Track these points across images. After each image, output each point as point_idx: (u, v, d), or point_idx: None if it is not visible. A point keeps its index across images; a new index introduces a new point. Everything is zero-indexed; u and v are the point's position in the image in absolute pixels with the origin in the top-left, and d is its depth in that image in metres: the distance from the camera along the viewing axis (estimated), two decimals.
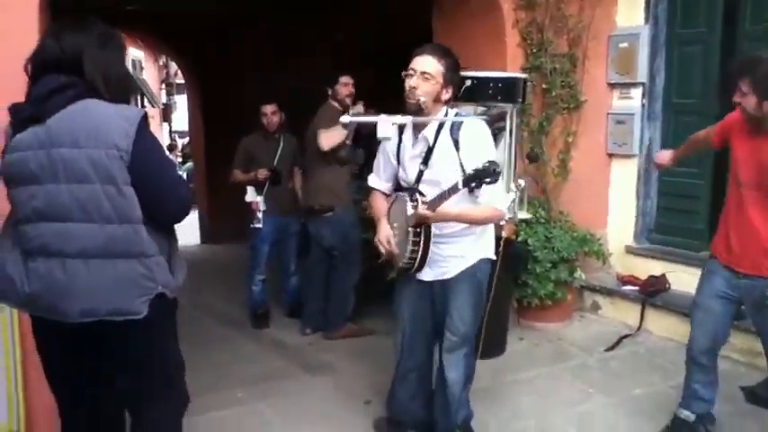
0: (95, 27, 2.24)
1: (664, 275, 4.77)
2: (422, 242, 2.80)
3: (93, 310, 2.19)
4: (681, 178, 4.95)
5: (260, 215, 4.91)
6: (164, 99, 18.86)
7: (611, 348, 4.46)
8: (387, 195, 3.11)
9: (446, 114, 2.85)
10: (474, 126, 2.84)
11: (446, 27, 5.10)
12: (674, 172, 4.97)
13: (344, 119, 2.78)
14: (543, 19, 4.78)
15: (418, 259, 2.83)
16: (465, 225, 2.87)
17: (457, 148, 2.78)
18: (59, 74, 2.17)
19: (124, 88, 2.31)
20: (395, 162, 2.99)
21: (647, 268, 4.93)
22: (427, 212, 2.62)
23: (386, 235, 2.94)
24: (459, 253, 2.91)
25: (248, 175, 4.98)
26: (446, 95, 2.83)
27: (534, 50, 4.81)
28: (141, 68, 10.19)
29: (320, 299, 4.88)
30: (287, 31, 7.55)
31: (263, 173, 4.91)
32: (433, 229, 2.81)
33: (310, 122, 4.70)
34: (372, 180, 3.12)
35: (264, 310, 5.15)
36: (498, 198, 2.80)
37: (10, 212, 2.29)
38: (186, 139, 14.34)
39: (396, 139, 2.92)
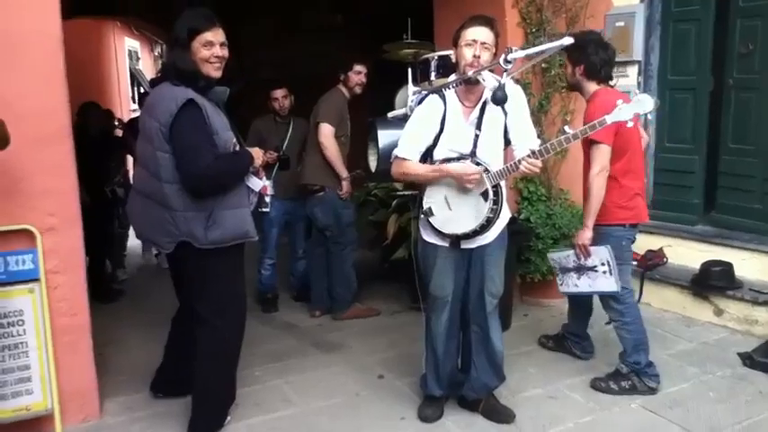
0: (173, 31, 2.93)
1: (661, 249, 4.90)
2: (500, 200, 2.93)
3: (140, 234, 3.15)
4: (676, 154, 5.06)
5: (268, 199, 4.96)
6: None
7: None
8: None
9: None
10: (511, 85, 2.99)
11: (446, 7, 5.17)
12: (670, 148, 5.12)
13: None
14: None
15: (495, 219, 2.95)
16: (505, 186, 3.04)
17: (503, 108, 2.93)
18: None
19: (185, 76, 2.86)
20: (434, 134, 3.02)
21: (645, 243, 5.02)
22: (539, 162, 2.78)
23: (464, 167, 2.91)
24: (500, 215, 3.04)
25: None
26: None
27: (533, 30, 4.89)
28: (138, 58, 10.18)
29: (324, 280, 4.96)
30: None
31: (271, 155, 4.98)
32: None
33: (315, 104, 4.79)
34: (404, 151, 3.06)
35: (273, 294, 5.24)
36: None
37: None
38: None
39: (440, 110, 3.01)
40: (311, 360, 4.15)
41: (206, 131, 2.83)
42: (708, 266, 4.42)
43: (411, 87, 3.70)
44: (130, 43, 10.15)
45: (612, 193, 3.44)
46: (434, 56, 3.60)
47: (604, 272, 3.50)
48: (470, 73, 2.88)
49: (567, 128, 2.84)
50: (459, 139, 2.99)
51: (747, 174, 4.61)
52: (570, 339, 3.99)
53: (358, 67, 4.72)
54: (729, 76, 4.72)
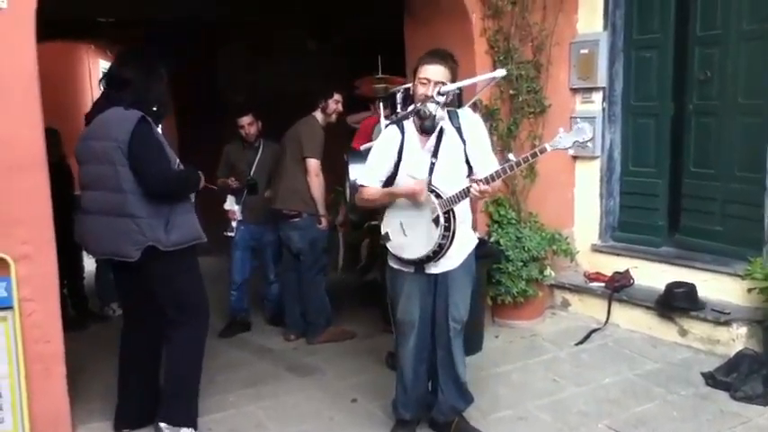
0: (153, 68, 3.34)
1: (628, 271, 5.02)
2: (452, 227, 3.00)
3: (101, 251, 3.32)
4: (641, 178, 5.21)
5: (234, 224, 5.00)
6: None
7: (581, 342, 4.68)
8: None
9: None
10: (469, 114, 3.17)
11: (417, 35, 5.28)
12: (635, 172, 5.28)
13: None
14: (509, 27, 4.99)
15: (447, 245, 3.02)
16: (467, 212, 3.13)
17: (460, 135, 3.06)
18: (109, 88, 3.30)
19: (161, 106, 3.38)
20: (393, 162, 3.13)
21: (612, 265, 5.17)
22: (487, 187, 2.88)
23: (409, 185, 3.03)
24: (461, 242, 3.12)
25: (222, 183, 5.05)
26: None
27: (501, 58, 5.01)
28: None
29: (298, 304, 4.98)
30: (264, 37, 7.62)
31: (233, 181, 5.03)
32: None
33: (290, 128, 4.87)
34: (364, 179, 3.21)
35: (241, 317, 5.24)
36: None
37: None
38: None
39: (397, 139, 3.12)
40: (285, 385, 4.17)
41: (160, 143, 3.27)
42: (671, 288, 4.55)
43: (383, 121, 3.81)
44: (105, 65, 10.17)
45: None
46: (400, 89, 3.72)
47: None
48: (418, 105, 3.04)
49: (510, 155, 2.98)
50: (417, 166, 3.09)
51: (709, 196, 4.76)
52: None
53: (337, 96, 4.82)
54: (690, 102, 4.89)
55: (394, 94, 3.74)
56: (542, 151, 2.94)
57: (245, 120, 5.09)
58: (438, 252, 3.04)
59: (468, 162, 3.13)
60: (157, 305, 3.38)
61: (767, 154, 4.26)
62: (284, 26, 7.18)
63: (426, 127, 2.95)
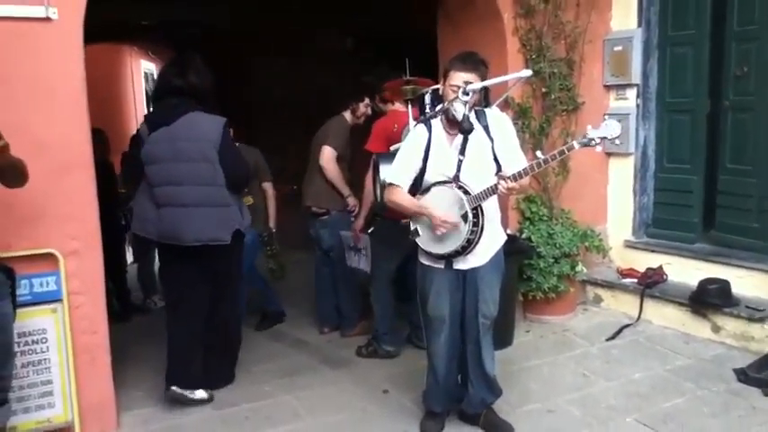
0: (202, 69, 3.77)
1: (661, 267, 5.02)
2: (480, 223, 3.08)
3: (199, 238, 3.63)
4: (676, 174, 5.18)
5: None
6: None
7: (613, 338, 4.70)
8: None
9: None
10: (496, 113, 3.25)
11: (450, 35, 5.35)
12: (669, 168, 5.25)
13: None
14: (541, 26, 5.01)
15: (475, 240, 3.10)
16: (495, 209, 3.21)
17: (488, 133, 3.14)
18: (176, 96, 3.67)
19: (207, 104, 3.74)
20: (421, 160, 3.20)
21: (646, 261, 5.17)
22: (514, 184, 2.94)
23: (443, 214, 3.07)
24: (490, 239, 3.19)
25: None
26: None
27: (533, 56, 5.03)
28: (153, 80, 10.46)
29: (332, 298, 5.10)
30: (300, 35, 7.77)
31: None
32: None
33: (319, 129, 4.97)
34: (394, 178, 3.26)
35: (272, 309, 5.37)
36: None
37: (146, 180, 3.72)
38: None
39: (425, 137, 3.21)
40: (320, 376, 4.30)
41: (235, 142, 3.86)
42: (705, 284, 4.53)
43: (412, 123, 3.88)
44: (146, 66, 10.47)
45: None
46: (427, 91, 3.80)
47: (364, 255, 4.62)
48: (445, 104, 3.14)
49: (538, 153, 3.02)
50: (445, 163, 3.16)
51: (745, 193, 4.71)
52: (413, 332, 4.49)
53: (367, 100, 4.93)
54: (726, 98, 4.84)
55: (422, 96, 3.81)
56: (570, 149, 2.98)
57: None
58: (467, 247, 3.11)
59: (496, 160, 3.19)
60: (206, 288, 3.85)
61: None
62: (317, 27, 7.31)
63: (465, 128, 2.98)
